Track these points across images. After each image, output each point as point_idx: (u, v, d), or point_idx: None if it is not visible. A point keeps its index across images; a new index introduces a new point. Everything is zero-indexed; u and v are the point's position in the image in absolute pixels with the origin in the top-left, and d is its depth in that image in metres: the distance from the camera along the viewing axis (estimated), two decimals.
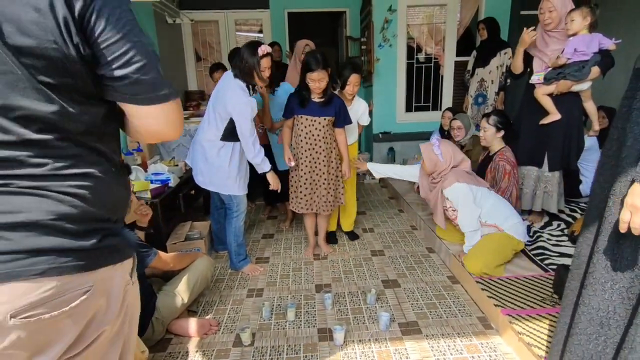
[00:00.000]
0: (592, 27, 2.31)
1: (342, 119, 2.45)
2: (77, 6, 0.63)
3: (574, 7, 2.37)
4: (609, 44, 2.29)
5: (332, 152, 2.49)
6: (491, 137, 2.64)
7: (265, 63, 2.13)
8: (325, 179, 2.49)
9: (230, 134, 2.21)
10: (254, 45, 2.12)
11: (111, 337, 0.79)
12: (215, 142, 2.23)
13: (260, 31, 5.38)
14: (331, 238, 2.94)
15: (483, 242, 2.22)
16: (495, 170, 2.60)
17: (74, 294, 0.68)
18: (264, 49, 2.10)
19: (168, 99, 0.75)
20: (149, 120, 0.76)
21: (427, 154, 2.35)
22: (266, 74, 2.17)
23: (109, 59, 0.67)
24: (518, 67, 2.67)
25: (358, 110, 2.79)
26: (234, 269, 2.52)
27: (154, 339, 1.77)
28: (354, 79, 2.55)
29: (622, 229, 1.01)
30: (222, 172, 2.27)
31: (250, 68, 2.12)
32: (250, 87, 2.23)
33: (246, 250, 2.54)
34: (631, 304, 1.10)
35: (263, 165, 2.29)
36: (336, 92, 2.80)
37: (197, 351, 1.79)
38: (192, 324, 1.88)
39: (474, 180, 2.32)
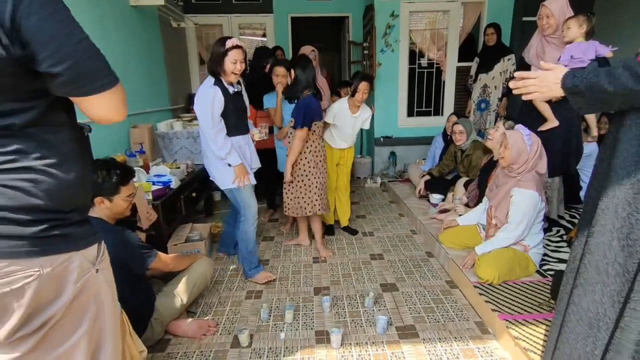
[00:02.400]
0: (589, 35, 2.32)
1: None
2: (6, 8, 0.66)
3: (572, 14, 2.39)
4: (606, 52, 2.30)
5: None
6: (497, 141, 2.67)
7: (235, 55, 2.10)
8: (325, 179, 2.74)
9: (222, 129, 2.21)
10: (223, 39, 2.14)
11: (68, 321, 0.84)
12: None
13: (264, 35, 5.42)
14: (329, 231, 3.16)
15: (504, 253, 2.14)
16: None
17: (17, 277, 0.75)
18: (232, 42, 2.10)
19: (105, 88, 0.78)
20: (92, 107, 0.80)
21: (516, 142, 2.15)
22: (237, 66, 2.12)
23: (41, 57, 0.71)
24: None
25: (364, 116, 2.97)
26: (248, 278, 2.44)
27: (153, 339, 1.79)
28: (363, 86, 2.73)
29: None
30: (218, 166, 2.27)
31: (216, 60, 2.11)
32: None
33: (258, 259, 2.48)
34: (621, 308, 1.11)
35: (229, 159, 2.20)
36: (345, 98, 2.86)
37: (195, 352, 1.80)
38: (190, 325, 1.90)
39: (543, 195, 2.21)
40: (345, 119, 2.87)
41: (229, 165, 2.23)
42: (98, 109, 0.80)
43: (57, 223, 0.80)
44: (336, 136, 2.96)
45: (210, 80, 2.15)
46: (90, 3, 2.75)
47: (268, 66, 3.34)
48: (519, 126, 2.20)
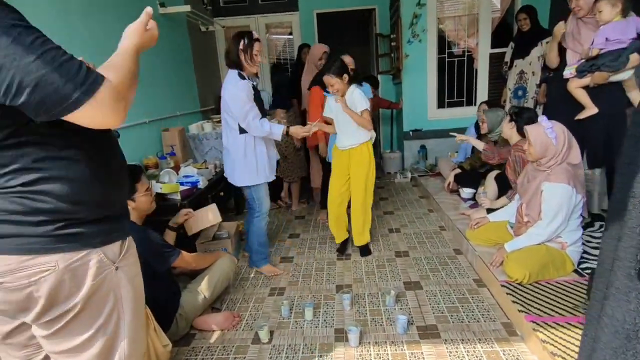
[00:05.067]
0: (625, 12, 2.11)
1: None
2: None
3: None
4: None
5: None
6: (507, 129, 2.62)
7: (258, 47, 2.20)
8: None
9: None
10: (242, 33, 2.22)
11: (86, 314, 0.90)
12: (236, 137, 2.31)
13: (290, 34, 5.46)
14: (341, 249, 2.80)
15: (537, 251, 2.01)
16: (514, 163, 2.55)
17: (33, 271, 0.83)
18: (255, 34, 2.20)
19: (80, 102, 0.73)
20: (82, 121, 0.77)
21: (538, 136, 2.02)
22: (259, 58, 2.21)
23: (1, 93, 0.69)
24: (553, 61, 2.53)
25: (350, 97, 2.46)
26: (253, 267, 2.59)
27: (178, 334, 1.87)
28: (328, 81, 2.41)
29: None
30: (239, 163, 2.33)
31: (244, 52, 2.18)
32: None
33: (268, 252, 2.58)
34: None
35: (274, 132, 2.28)
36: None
37: (218, 347, 1.87)
38: (216, 318, 1.98)
39: (580, 188, 2.01)
40: (336, 108, 2.52)
41: (285, 131, 2.31)
42: (88, 121, 0.78)
43: (68, 222, 0.85)
44: (337, 131, 2.60)
45: (235, 74, 2.22)
46: (122, 15, 2.90)
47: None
48: (542, 118, 2.05)
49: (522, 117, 2.56)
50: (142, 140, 3.07)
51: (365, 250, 2.73)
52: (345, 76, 2.38)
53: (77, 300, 0.88)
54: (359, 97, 2.44)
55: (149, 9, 0.92)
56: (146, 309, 1.53)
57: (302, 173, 3.79)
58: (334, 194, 2.69)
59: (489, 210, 2.66)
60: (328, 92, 2.53)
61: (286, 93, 3.79)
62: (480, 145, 2.89)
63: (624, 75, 2.25)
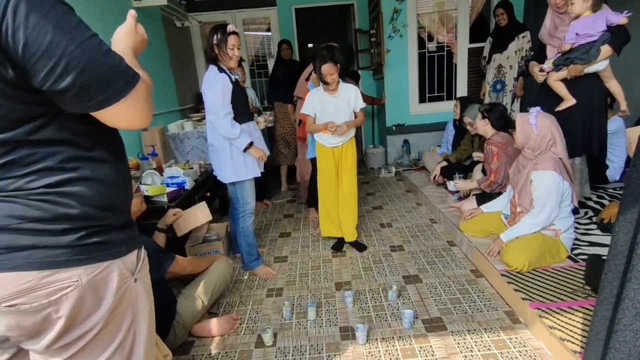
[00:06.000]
0: (596, 6, 2.20)
1: None
2: None
3: None
4: (619, 19, 2.17)
5: None
6: (481, 126, 2.77)
7: (233, 41, 2.13)
8: None
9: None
10: (218, 26, 2.17)
11: (106, 333, 0.80)
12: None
13: (269, 30, 5.35)
14: (337, 246, 2.76)
15: (534, 239, 2.05)
16: (486, 155, 2.69)
17: (54, 288, 0.71)
18: (231, 27, 2.14)
19: (122, 94, 0.68)
20: (115, 117, 0.71)
21: (521, 124, 2.11)
22: (235, 52, 2.15)
23: (42, 74, 0.62)
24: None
25: (349, 94, 2.47)
26: (247, 270, 2.51)
27: (176, 342, 1.77)
28: (326, 69, 2.35)
29: None
30: (225, 160, 2.26)
31: (217, 46, 2.13)
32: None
33: (258, 251, 2.52)
34: None
35: (239, 140, 2.21)
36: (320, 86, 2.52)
37: (220, 353, 1.78)
38: (215, 324, 1.88)
39: (566, 176, 2.07)
40: (323, 104, 2.48)
41: (246, 148, 2.22)
42: (120, 118, 0.71)
43: (95, 230, 0.76)
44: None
45: (214, 68, 2.17)
46: (90, 6, 2.72)
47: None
48: (533, 108, 2.12)
49: (495, 112, 2.70)
50: None
51: (361, 246, 2.72)
52: (339, 65, 2.35)
53: (99, 319, 0.78)
54: (359, 96, 2.49)
55: (132, 12, 0.84)
56: None
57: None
58: (328, 191, 2.66)
59: (479, 201, 2.71)
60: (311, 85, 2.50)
61: (289, 87, 3.76)
62: (473, 184, 2.92)
63: (599, 66, 2.34)
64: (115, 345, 0.82)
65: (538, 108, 2.10)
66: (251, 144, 2.25)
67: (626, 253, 1.13)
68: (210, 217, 2.37)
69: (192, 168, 3.03)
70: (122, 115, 0.71)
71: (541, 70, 2.53)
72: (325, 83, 2.41)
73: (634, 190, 1.14)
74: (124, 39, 0.82)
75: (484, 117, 2.75)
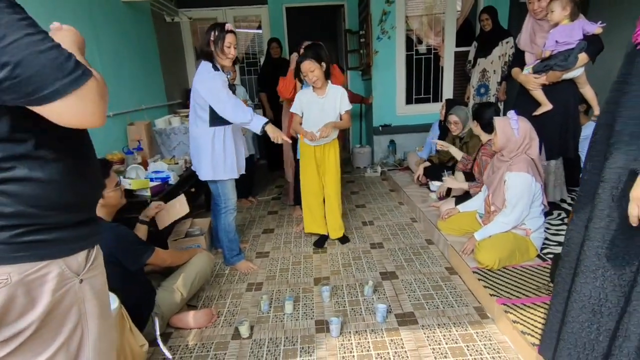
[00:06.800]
0: (574, 15, 2.29)
1: None
2: None
3: None
4: (594, 29, 2.26)
5: None
6: (475, 129, 2.78)
7: (230, 39, 2.14)
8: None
9: (217, 117, 2.20)
10: (217, 23, 2.18)
11: (45, 333, 0.79)
12: (205, 129, 2.25)
13: (259, 27, 5.38)
14: (320, 243, 2.80)
15: (505, 238, 2.13)
16: (480, 165, 2.69)
17: None
18: (228, 26, 2.16)
19: (68, 90, 0.66)
20: (62, 115, 0.69)
21: (503, 127, 2.16)
22: (232, 51, 2.15)
23: None
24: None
25: (335, 95, 2.49)
26: (228, 265, 2.55)
27: (154, 333, 1.81)
28: (306, 66, 2.36)
29: (634, 222, 0.97)
30: (205, 156, 2.28)
31: (214, 43, 2.14)
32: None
33: (239, 247, 2.55)
34: (623, 291, 1.10)
35: (256, 123, 2.15)
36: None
37: (197, 344, 1.82)
38: (195, 316, 1.92)
39: (539, 177, 2.15)
40: (310, 104, 2.52)
41: (264, 126, 2.15)
42: (67, 116, 0.69)
43: (32, 228, 0.75)
44: (306, 128, 2.53)
45: (208, 65, 2.17)
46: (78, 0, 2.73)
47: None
48: (510, 112, 2.19)
49: (483, 115, 2.70)
50: (105, 134, 2.91)
51: (345, 239, 2.83)
52: (323, 64, 2.37)
53: (33, 319, 0.76)
54: (345, 98, 2.51)
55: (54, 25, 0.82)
56: (122, 309, 1.48)
57: None
58: (310, 189, 2.71)
59: (458, 202, 2.79)
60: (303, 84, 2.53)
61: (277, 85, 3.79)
62: (459, 154, 2.99)
63: (576, 73, 2.43)
64: (56, 345, 0.81)
65: (513, 112, 2.17)
66: (267, 122, 2.17)
67: (578, 250, 1.21)
68: (187, 209, 2.39)
69: (177, 163, 3.06)
70: (70, 112, 0.69)
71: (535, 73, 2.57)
72: (302, 82, 2.44)
73: (587, 192, 1.22)
74: (69, 35, 0.81)
75: (474, 119, 2.78)
